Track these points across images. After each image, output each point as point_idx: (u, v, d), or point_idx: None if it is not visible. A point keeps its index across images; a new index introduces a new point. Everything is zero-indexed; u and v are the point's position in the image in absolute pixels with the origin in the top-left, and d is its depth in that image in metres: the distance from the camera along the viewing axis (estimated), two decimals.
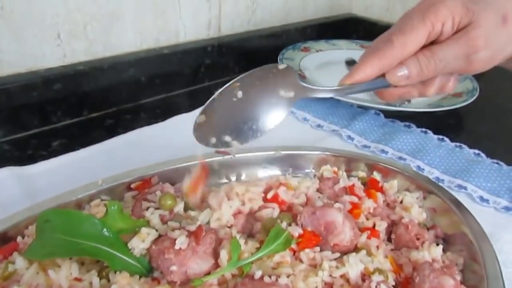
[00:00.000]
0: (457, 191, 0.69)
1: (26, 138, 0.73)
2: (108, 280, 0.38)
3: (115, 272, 0.38)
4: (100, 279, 0.38)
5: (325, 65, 1.10)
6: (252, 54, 1.08)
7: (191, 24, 0.97)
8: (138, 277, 0.39)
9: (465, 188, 0.69)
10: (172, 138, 0.79)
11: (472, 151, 0.80)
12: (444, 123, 0.89)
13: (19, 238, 0.42)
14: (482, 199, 0.68)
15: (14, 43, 0.71)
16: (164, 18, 0.91)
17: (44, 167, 0.65)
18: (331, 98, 0.89)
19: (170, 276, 0.39)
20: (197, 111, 0.85)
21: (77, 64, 0.79)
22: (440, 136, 0.84)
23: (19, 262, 0.37)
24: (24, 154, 0.68)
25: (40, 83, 0.73)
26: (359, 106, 0.92)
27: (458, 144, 0.81)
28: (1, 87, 0.69)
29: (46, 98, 0.74)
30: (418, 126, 0.87)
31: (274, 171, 0.63)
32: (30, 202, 0.49)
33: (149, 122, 0.80)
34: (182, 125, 0.83)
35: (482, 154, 0.79)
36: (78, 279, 0.37)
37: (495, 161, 0.77)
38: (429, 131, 0.85)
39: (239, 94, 0.46)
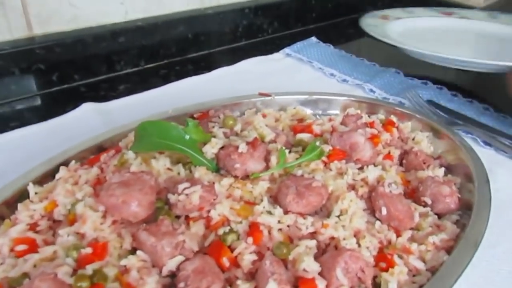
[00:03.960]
0: (464, 135, 0.79)
1: (97, 82, 0.87)
2: (190, 171, 0.52)
3: (195, 166, 0.52)
4: (185, 170, 0.52)
5: (409, 34, 1.07)
6: (284, 19, 1.18)
7: None
8: (211, 172, 0.53)
9: (471, 133, 0.80)
10: (215, 85, 0.92)
11: (481, 105, 0.90)
12: (457, 81, 0.99)
13: (121, 143, 0.56)
14: (485, 143, 0.78)
15: (87, 1, 0.84)
16: None
17: (116, 104, 0.79)
18: (356, 56, 1.01)
19: (234, 172, 0.52)
20: (237, 65, 0.99)
21: (137, 21, 0.91)
22: (453, 92, 0.94)
23: (130, 153, 0.51)
24: (98, 94, 0.82)
25: (108, 36, 0.86)
26: (381, 66, 1.02)
27: (469, 99, 0.92)
28: (79, 37, 0.82)
29: (112, 49, 0.88)
30: (434, 84, 0.97)
31: (307, 112, 0.75)
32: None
33: (196, 73, 0.92)
34: (224, 75, 0.96)
35: (491, 108, 0.89)
36: (169, 169, 0.51)
37: (501, 114, 0.87)
38: (443, 87, 0.95)
39: None
